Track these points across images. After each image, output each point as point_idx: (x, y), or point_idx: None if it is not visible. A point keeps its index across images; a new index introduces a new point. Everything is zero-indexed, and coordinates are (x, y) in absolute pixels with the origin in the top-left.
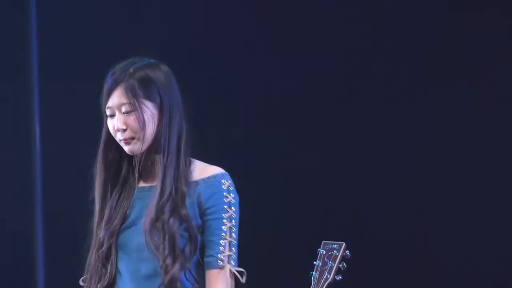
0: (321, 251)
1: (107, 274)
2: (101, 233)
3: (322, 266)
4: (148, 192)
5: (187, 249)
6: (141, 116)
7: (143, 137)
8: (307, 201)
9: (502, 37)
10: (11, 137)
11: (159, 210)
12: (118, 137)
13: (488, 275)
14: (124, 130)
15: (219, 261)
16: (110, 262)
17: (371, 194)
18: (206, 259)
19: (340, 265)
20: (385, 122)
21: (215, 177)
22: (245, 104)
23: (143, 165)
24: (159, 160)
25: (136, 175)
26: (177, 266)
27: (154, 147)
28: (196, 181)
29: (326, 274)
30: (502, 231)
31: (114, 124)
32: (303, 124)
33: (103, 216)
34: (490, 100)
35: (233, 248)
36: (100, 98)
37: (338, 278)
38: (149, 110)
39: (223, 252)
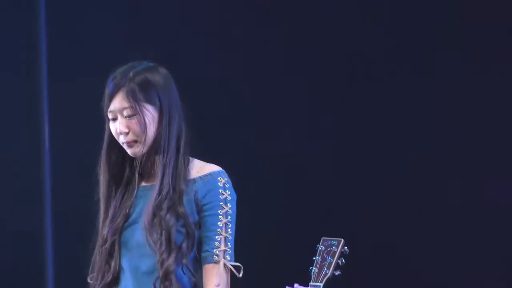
0: (321, 247)
1: (110, 271)
2: (105, 231)
3: (322, 261)
4: (149, 191)
5: (184, 245)
6: (142, 119)
7: (145, 139)
8: (306, 199)
9: (502, 37)
10: (20, 137)
11: (157, 207)
12: (121, 140)
13: (487, 273)
14: (127, 133)
15: (214, 256)
16: (113, 259)
17: (370, 192)
18: (202, 254)
19: (339, 261)
20: (384, 121)
21: (211, 174)
22: (245, 104)
23: (144, 166)
24: (159, 161)
25: (137, 175)
26: (171, 259)
27: (154, 148)
28: (194, 179)
29: (325, 269)
30: (502, 231)
31: (116, 127)
32: (302, 123)
33: (108, 216)
34: (490, 100)
35: (228, 244)
36: (102, 102)
37: (337, 273)
38: (150, 113)
39: (219, 247)
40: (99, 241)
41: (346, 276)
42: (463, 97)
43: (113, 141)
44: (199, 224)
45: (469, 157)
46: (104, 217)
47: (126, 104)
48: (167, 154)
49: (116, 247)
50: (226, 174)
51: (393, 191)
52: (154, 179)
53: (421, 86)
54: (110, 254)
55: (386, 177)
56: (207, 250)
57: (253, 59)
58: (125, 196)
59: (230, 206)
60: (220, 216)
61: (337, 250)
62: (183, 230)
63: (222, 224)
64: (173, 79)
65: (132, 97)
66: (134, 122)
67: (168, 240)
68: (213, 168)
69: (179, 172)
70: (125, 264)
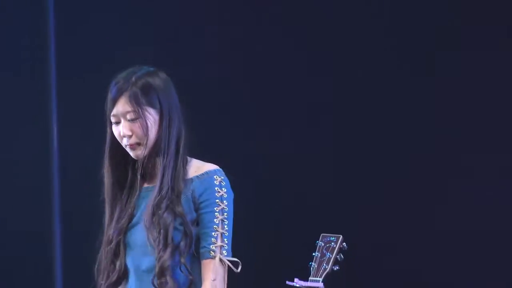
0: (320, 243)
1: (116, 270)
2: (111, 232)
3: (321, 257)
4: (151, 192)
5: (182, 244)
6: (144, 122)
7: (147, 141)
8: (306, 197)
9: (502, 37)
10: (28, 137)
11: (156, 207)
12: (124, 142)
13: (486, 272)
14: (130, 136)
15: (211, 251)
16: (118, 259)
17: (369, 190)
18: (200, 250)
19: (338, 256)
20: (384, 121)
21: (207, 173)
22: (245, 103)
23: (145, 167)
24: (159, 162)
25: (139, 177)
26: (167, 255)
27: (155, 150)
28: (191, 179)
29: (324, 264)
30: (502, 230)
31: (120, 130)
32: (302, 122)
33: (113, 217)
34: (490, 100)
35: (225, 239)
36: (104, 106)
37: (335, 269)
38: (152, 116)
39: (215, 243)
40: (105, 241)
41: (344, 271)
42: (463, 97)
43: (115, 144)
44: (197, 221)
45: (469, 157)
46: (110, 218)
47: (129, 108)
48: (167, 155)
49: (121, 247)
50: (223, 173)
51: (392, 190)
52: (155, 180)
53: (421, 86)
54: (115, 254)
55: (385, 176)
56: (204, 246)
57: (253, 59)
58: (129, 198)
59: (226, 203)
60: (216, 213)
61: (336, 246)
62: (181, 228)
63: (219, 221)
64: (175, 78)
65: (135, 101)
66: (137, 125)
67: (165, 238)
68: (210, 167)
69: (177, 173)
70: (129, 263)
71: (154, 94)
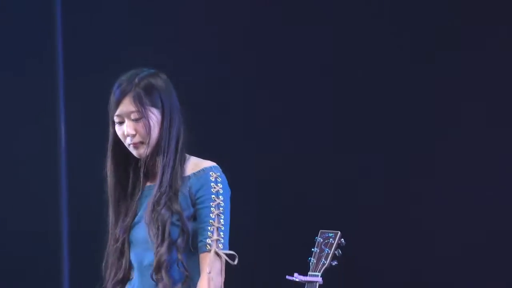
0: (319, 239)
1: (122, 268)
2: (117, 231)
3: (320, 252)
4: (152, 190)
5: (179, 240)
6: (148, 122)
7: (150, 140)
8: (306, 194)
9: (502, 37)
10: (36, 136)
11: (156, 203)
12: (128, 141)
13: (486, 272)
14: (134, 135)
15: (207, 245)
16: (124, 256)
17: (368, 189)
18: (198, 244)
19: (336, 252)
20: (384, 120)
21: (204, 170)
22: (244, 103)
23: (147, 166)
24: (159, 161)
25: (142, 175)
26: (163, 249)
27: (157, 149)
28: (189, 176)
29: (323, 260)
30: (502, 230)
31: (124, 130)
32: (302, 122)
33: (118, 216)
34: (490, 100)
35: (221, 233)
36: (108, 107)
37: (334, 264)
38: (155, 116)
39: (211, 237)
40: (111, 240)
41: (343, 266)
42: (463, 97)
43: (117, 144)
44: (194, 216)
45: (469, 157)
46: (114, 217)
47: (133, 108)
48: (167, 154)
49: (126, 245)
50: (219, 169)
51: (391, 188)
52: (156, 178)
53: (421, 86)
54: (121, 252)
55: (384, 175)
56: (201, 240)
57: (253, 59)
58: (133, 197)
59: (222, 199)
60: (212, 208)
61: (334, 242)
62: (178, 223)
63: (214, 216)
64: (177, 78)
65: (139, 102)
66: (140, 124)
67: (163, 233)
68: (206, 164)
69: (175, 171)
70: (133, 259)
71: (156, 94)
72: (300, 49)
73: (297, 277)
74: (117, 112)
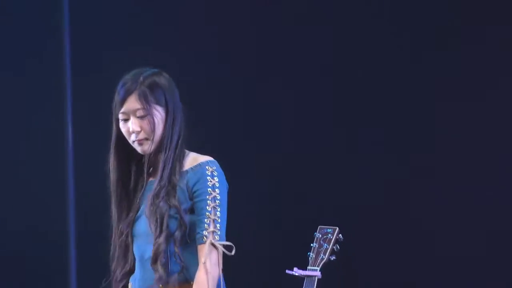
0: (317, 234)
1: (128, 261)
2: (121, 225)
3: (318, 247)
4: (153, 185)
5: (177, 233)
6: (152, 119)
7: (154, 138)
8: (305, 191)
9: (502, 37)
10: (43, 136)
11: (155, 197)
12: (132, 138)
13: (486, 272)
14: (139, 132)
15: (204, 237)
16: (129, 250)
17: (369, 188)
18: (196, 236)
19: (334, 247)
20: (384, 120)
21: (200, 165)
22: (244, 102)
23: (150, 162)
24: (161, 157)
25: (146, 170)
26: (161, 239)
27: (160, 146)
28: (186, 170)
29: (321, 255)
30: (501, 230)
31: (129, 127)
32: (302, 121)
33: (121, 211)
34: (490, 100)
35: (217, 225)
36: (112, 105)
37: (332, 258)
38: (159, 114)
39: (207, 229)
40: (115, 234)
41: (341, 261)
42: (463, 97)
43: (121, 141)
44: (192, 209)
45: (469, 157)
46: (117, 212)
47: (138, 106)
48: (168, 151)
49: (130, 239)
50: (216, 163)
51: (389, 186)
52: (158, 174)
53: (421, 86)
54: (126, 246)
55: (383, 173)
56: (198, 232)
57: (254, 59)
58: (136, 192)
59: (218, 192)
60: (208, 201)
61: (333, 237)
62: (176, 216)
63: (211, 208)
64: (178, 77)
65: (145, 99)
66: (145, 122)
67: (161, 224)
68: (203, 158)
69: (175, 166)
70: (136, 252)
71: (161, 92)
72: (300, 49)
73: (296, 271)
74: (123, 109)
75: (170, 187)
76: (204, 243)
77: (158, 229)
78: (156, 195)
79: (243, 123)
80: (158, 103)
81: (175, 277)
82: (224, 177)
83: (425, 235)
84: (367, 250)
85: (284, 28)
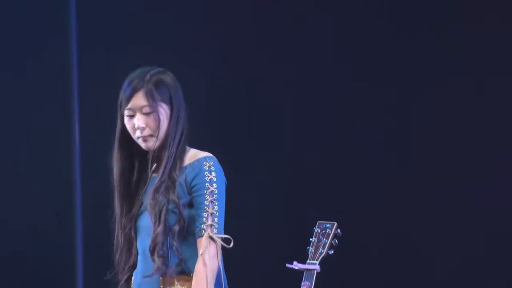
0: (316, 229)
1: (132, 255)
2: (125, 220)
3: (317, 242)
4: (155, 181)
5: (176, 227)
6: (158, 116)
7: (158, 134)
8: (305, 187)
9: (503, 37)
10: (50, 136)
11: (155, 191)
12: (137, 134)
13: (486, 272)
14: (144, 129)
15: (202, 230)
16: (132, 245)
17: (368, 187)
18: (195, 230)
19: (333, 242)
20: (383, 120)
21: (198, 160)
22: (244, 101)
23: (153, 159)
24: (164, 153)
25: (150, 166)
26: (159, 230)
27: (163, 142)
28: (185, 166)
29: (320, 249)
30: (501, 230)
31: (134, 123)
32: (302, 120)
33: (124, 207)
34: (490, 100)
35: (215, 219)
36: (118, 103)
37: (330, 253)
38: (164, 111)
39: (205, 222)
40: (119, 229)
41: (339, 255)
42: (463, 97)
43: (125, 137)
44: (191, 204)
45: (469, 157)
46: (120, 207)
47: (145, 103)
48: (171, 147)
49: (133, 233)
50: (213, 159)
51: (389, 186)
52: (160, 169)
53: (421, 86)
54: (130, 240)
55: (382, 172)
56: (197, 226)
57: (254, 59)
58: (139, 188)
59: (215, 186)
60: (206, 196)
61: (331, 232)
62: (176, 210)
63: (208, 202)
64: (178, 77)
65: (151, 97)
66: (151, 118)
67: (159, 217)
68: (202, 154)
69: (175, 163)
70: (139, 246)
71: (167, 91)
72: (300, 49)
73: (296, 265)
74: (129, 106)
75: (169, 183)
76: (202, 236)
77: (157, 222)
78: (156, 190)
79: (243, 122)
80: (163, 100)
81: (172, 269)
82: (222, 173)
83: (422, 231)
84: (365, 245)
85: (284, 28)
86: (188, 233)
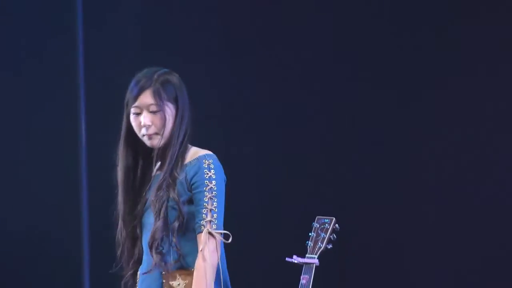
0: (315, 224)
1: (136, 251)
2: (130, 217)
3: (316, 237)
4: (158, 178)
5: (175, 223)
6: (164, 115)
7: (163, 133)
8: (304, 184)
9: (503, 37)
10: (57, 136)
11: (158, 189)
12: (143, 132)
13: (485, 271)
14: (149, 126)
15: (201, 226)
16: (137, 242)
17: (368, 186)
18: (195, 226)
19: (331, 236)
20: (384, 119)
21: (198, 158)
22: (244, 101)
23: (157, 157)
24: (168, 151)
25: (154, 163)
26: (159, 225)
27: (168, 141)
28: (186, 164)
29: (319, 243)
30: (502, 230)
31: (140, 120)
32: (302, 119)
33: (128, 204)
34: (490, 100)
35: (214, 215)
36: (125, 101)
37: (329, 247)
38: (170, 110)
39: (205, 218)
40: (123, 226)
41: (337, 249)
42: (463, 97)
43: (130, 135)
44: (191, 200)
45: (469, 157)
46: (124, 204)
47: (152, 101)
48: (175, 146)
49: (138, 230)
50: (213, 156)
51: (386, 183)
52: (163, 167)
53: (421, 86)
54: (135, 237)
55: (382, 170)
56: (196, 222)
57: (254, 59)
58: (143, 185)
59: (214, 183)
60: (205, 192)
61: (330, 227)
62: (176, 207)
63: (208, 199)
64: (187, 76)
65: (158, 96)
66: (157, 117)
67: (159, 212)
68: (202, 152)
69: (177, 161)
70: (143, 242)
71: (173, 91)
72: (301, 49)
73: (295, 259)
74: (136, 103)
75: (171, 180)
76: (202, 232)
77: (157, 218)
78: (159, 187)
79: (243, 122)
80: (170, 100)
81: (171, 265)
82: (222, 170)
83: (421, 227)
84: (363, 240)
85: (285, 28)
86: (187, 229)
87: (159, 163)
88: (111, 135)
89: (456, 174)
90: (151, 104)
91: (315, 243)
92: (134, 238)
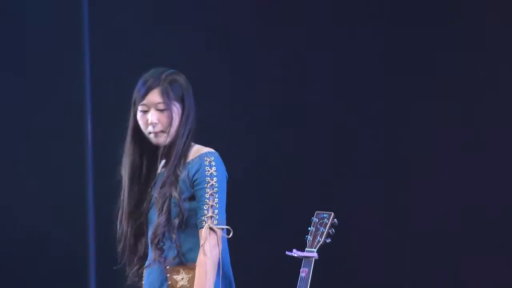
0: (314, 219)
1: (141, 247)
2: (135, 214)
3: (315, 231)
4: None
5: (176, 220)
6: (171, 114)
7: (169, 131)
8: (304, 181)
9: (503, 37)
10: (64, 136)
11: (162, 186)
12: (149, 129)
13: (485, 271)
14: (156, 124)
15: (203, 222)
16: (144, 235)
17: (368, 185)
18: (197, 222)
19: (330, 231)
20: (383, 119)
21: (200, 156)
22: (244, 101)
23: (162, 154)
24: (173, 150)
25: (159, 161)
26: (161, 219)
27: (173, 139)
28: (188, 162)
29: (318, 237)
30: (501, 230)
31: (147, 118)
32: (302, 119)
33: (132, 199)
34: (490, 100)
35: (215, 211)
36: (132, 100)
37: (328, 241)
38: (177, 109)
39: (206, 214)
40: (127, 222)
41: (336, 243)
42: (463, 97)
43: (137, 132)
44: (193, 197)
45: (469, 157)
46: (128, 201)
47: (160, 100)
48: (179, 145)
49: (144, 226)
50: (214, 154)
51: (386, 182)
52: (168, 165)
53: (421, 86)
54: (138, 234)
55: (382, 170)
56: (198, 218)
57: (254, 59)
58: (148, 182)
59: (215, 180)
60: (207, 189)
61: (328, 222)
62: (178, 204)
63: (209, 195)
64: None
65: (166, 95)
66: (164, 115)
67: (162, 209)
68: (204, 150)
69: (180, 159)
70: (149, 237)
71: (180, 90)
72: (301, 49)
73: (295, 253)
74: (144, 102)
75: (173, 178)
76: (203, 227)
77: (160, 214)
78: (162, 185)
79: (243, 121)
80: (176, 99)
81: (170, 261)
82: (223, 167)
83: (419, 222)
84: (361, 234)
85: (285, 28)
86: (189, 226)
87: (164, 161)
88: (117, 134)
89: (456, 174)
90: (159, 103)
91: (314, 237)
92: (138, 235)
